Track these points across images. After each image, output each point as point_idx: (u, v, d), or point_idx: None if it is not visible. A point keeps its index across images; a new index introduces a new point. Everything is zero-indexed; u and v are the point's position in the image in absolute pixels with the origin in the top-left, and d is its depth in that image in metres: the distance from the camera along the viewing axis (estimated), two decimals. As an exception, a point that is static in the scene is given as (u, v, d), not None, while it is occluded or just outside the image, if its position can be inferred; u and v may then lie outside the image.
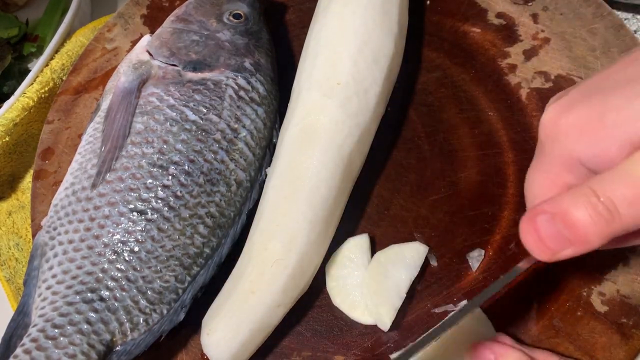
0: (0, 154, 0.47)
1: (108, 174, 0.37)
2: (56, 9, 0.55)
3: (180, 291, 0.36)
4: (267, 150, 0.41)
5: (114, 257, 0.35)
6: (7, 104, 0.47)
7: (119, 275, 0.35)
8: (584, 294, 0.38)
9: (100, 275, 0.35)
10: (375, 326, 0.37)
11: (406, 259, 0.38)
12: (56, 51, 0.51)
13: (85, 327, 0.33)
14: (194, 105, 0.39)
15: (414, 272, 0.38)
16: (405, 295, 0.37)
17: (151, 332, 0.35)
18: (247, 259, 0.36)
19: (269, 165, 0.40)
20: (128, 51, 0.49)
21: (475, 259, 0.39)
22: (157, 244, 0.36)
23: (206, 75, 0.40)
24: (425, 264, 0.39)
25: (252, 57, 0.42)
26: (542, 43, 0.46)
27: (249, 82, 0.41)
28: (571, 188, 0.27)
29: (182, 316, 0.36)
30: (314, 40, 0.41)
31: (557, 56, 0.45)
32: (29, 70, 0.52)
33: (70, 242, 0.35)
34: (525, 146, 0.43)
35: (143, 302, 0.35)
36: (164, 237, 0.36)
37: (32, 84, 0.49)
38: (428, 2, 0.49)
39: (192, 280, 0.36)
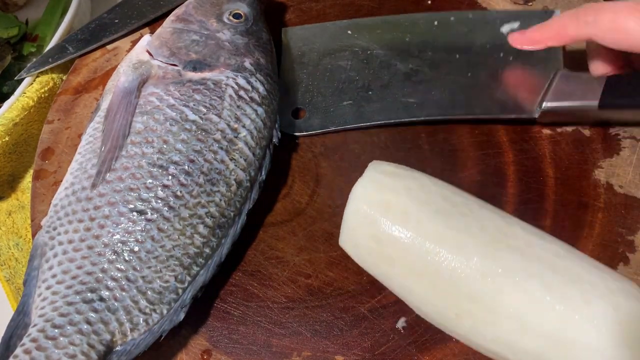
0: (0, 154, 0.47)
1: (108, 174, 0.37)
2: (56, 9, 0.55)
3: (180, 291, 0.36)
4: (267, 150, 0.41)
5: (114, 257, 0.35)
6: (7, 104, 0.47)
7: (119, 275, 0.35)
8: (584, 294, 0.38)
9: (100, 275, 0.35)
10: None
11: None
12: (56, 51, 0.51)
13: (85, 327, 0.33)
14: (194, 105, 0.39)
15: None
16: None
17: (151, 332, 0.35)
18: None
19: (269, 165, 0.40)
20: (128, 51, 0.49)
21: None
22: (157, 244, 0.36)
23: (206, 75, 0.40)
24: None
25: (252, 57, 0.42)
26: (542, 43, 0.46)
27: (249, 82, 0.41)
28: None
29: (182, 316, 0.36)
30: None
31: (557, 56, 0.45)
32: (29, 70, 0.52)
33: (70, 242, 0.35)
34: (525, 146, 0.43)
35: (143, 302, 0.35)
36: (164, 237, 0.36)
37: (32, 84, 0.49)
38: (429, 2, 0.49)
39: (192, 280, 0.36)
